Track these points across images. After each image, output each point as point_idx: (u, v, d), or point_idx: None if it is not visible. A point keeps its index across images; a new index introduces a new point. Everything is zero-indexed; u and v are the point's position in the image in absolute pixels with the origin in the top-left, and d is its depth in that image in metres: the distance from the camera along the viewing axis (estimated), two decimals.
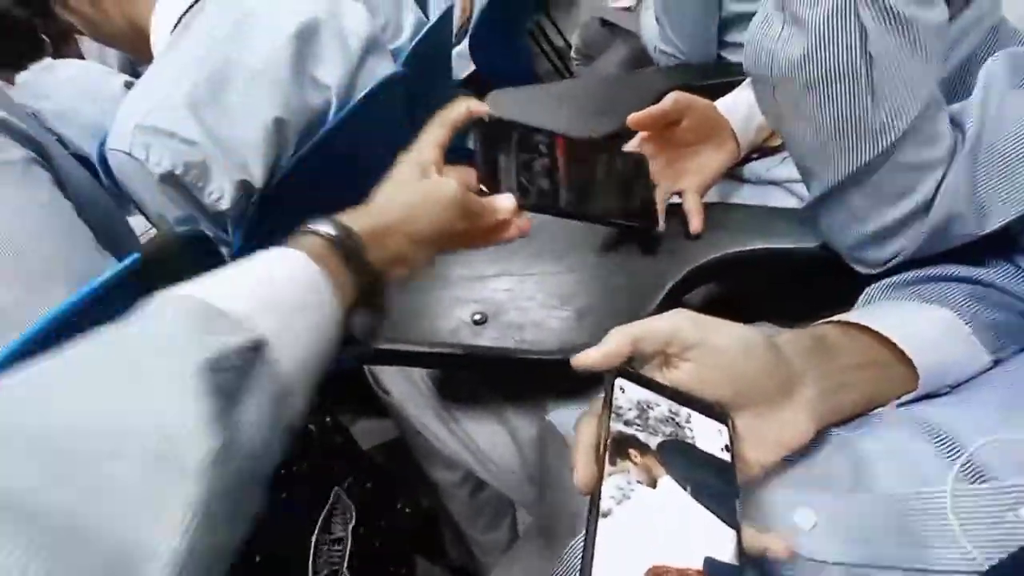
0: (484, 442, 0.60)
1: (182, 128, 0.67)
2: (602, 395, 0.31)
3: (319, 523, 0.62)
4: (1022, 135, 0.38)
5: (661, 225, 0.56)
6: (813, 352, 0.35)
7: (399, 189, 0.42)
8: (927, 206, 0.41)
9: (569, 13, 2.55)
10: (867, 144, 0.40)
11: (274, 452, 0.28)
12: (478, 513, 0.77)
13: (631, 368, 0.32)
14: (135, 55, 0.85)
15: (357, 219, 0.38)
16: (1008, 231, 0.40)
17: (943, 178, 0.41)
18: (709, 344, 0.32)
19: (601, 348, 0.32)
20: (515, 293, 0.55)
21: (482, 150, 0.45)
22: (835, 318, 0.40)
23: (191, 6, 0.76)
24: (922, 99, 0.38)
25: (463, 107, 0.45)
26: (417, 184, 0.41)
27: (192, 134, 0.67)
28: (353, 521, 0.65)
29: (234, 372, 0.26)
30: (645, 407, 0.31)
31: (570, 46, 2.03)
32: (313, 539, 0.61)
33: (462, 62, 1.59)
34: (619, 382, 0.31)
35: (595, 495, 0.27)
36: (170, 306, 0.28)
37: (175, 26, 0.75)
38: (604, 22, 1.67)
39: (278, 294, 0.31)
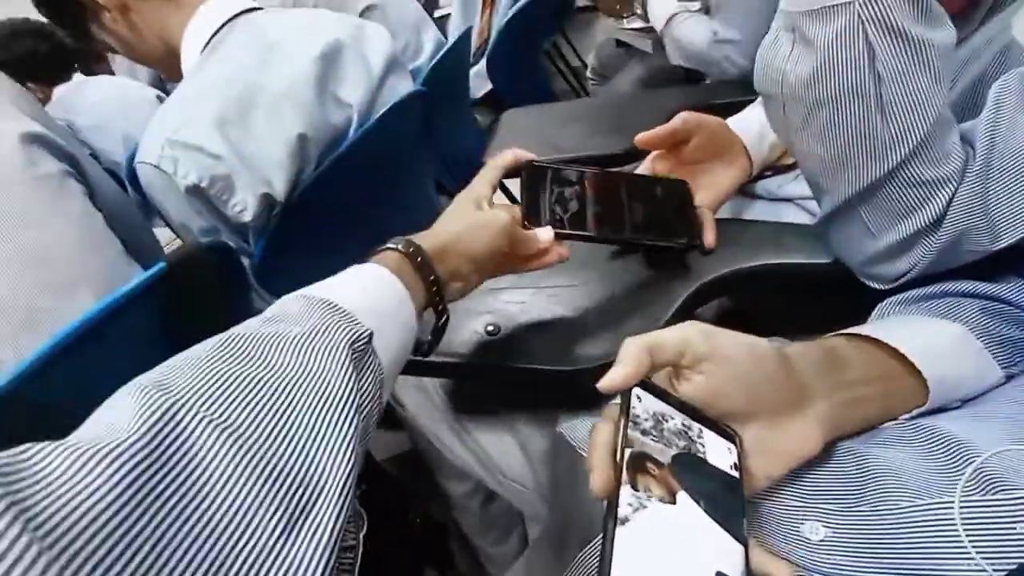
0: (495, 453, 0.61)
1: (209, 143, 0.70)
2: (617, 402, 0.31)
3: None
4: None
5: (709, 240, 0.56)
6: (824, 364, 0.36)
7: (458, 217, 0.48)
8: (938, 222, 0.42)
9: (585, 34, 2.59)
10: (877, 161, 0.41)
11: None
12: (489, 525, 0.78)
13: (647, 379, 0.33)
14: (166, 73, 0.88)
15: (424, 239, 0.44)
16: (1019, 247, 0.40)
17: (954, 194, 0.41)
18: (720, 356, 0.32)
19: (621, 368, 0.31)
20: (527, 306, 0.56)
21: (525, 190, 0.52)
22: (846, 331, 0.40)
23: (219, 29, 0.79)
24: (930, 117, 0.39)
25: (511, 154, 0.54)
26: (474, 213, 0.48)
27: (218, 149, 0.70)
28: (364, 530, 0.65)
29: (360, 353, 0.33)
30: (660, 418, 0.31)
31: (586, 66, 2.07)
32: None
33: (479, 81, 1.62)
34: (636, 391, 0.32)
35: (612, 500, 0.27)
36: (307, 301, 0.35)
37: (204, 47, 0.79)
38: (619, 43, 1.70)
39: (374, 301, 0.37)
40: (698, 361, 0.32)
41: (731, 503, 0.30)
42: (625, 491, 0.28)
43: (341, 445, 0.28)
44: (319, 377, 0.30)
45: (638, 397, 0.31)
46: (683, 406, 0.32)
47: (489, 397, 0.64)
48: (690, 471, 0.30)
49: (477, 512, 0.77)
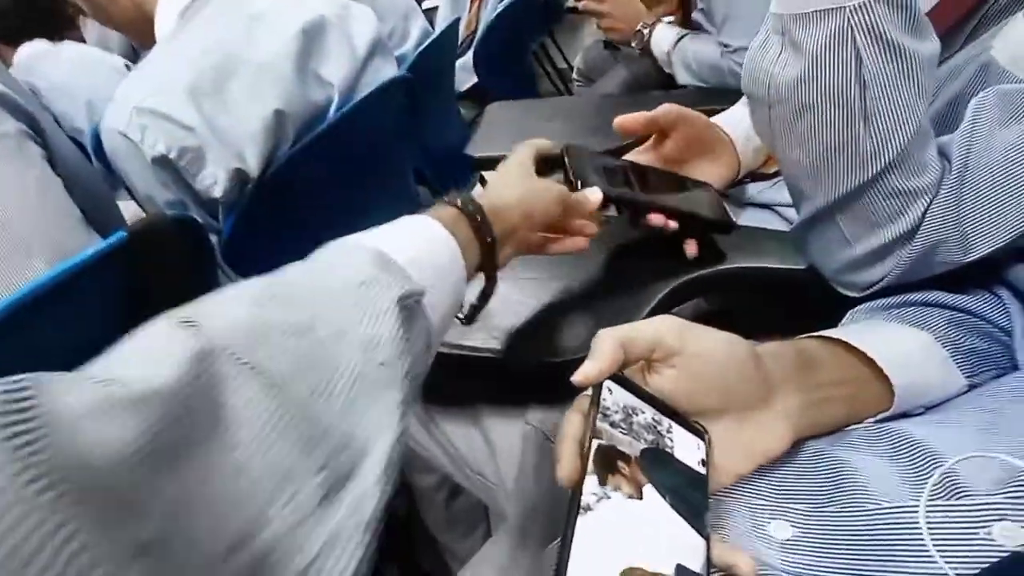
0: (462, 445, 0.59)
1: (180, 113, 0.67)
2: (588, 394, 0.31)
3: None
4: (1007, 169, 0.39)
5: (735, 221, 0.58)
6: (794, 364, 0.36)
7: (516, 179, 0.47)
8: (913, 233, 0.42)
9: (572, 36, 2.59)
10: (857, 168, 0.41)
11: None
12: (453, 520, 0.76)
13: (619, 372, 0.32)
14: (139, 39, 0.85)
15: (481, 199, 0.42)
16: (989, 261, 0.41)
17: (929, 206, 0.42)
18: (692, 351, 0.32)
19: (594, 362, 0.31)
20: (502, 296, 0.55)
21: (572, 162, 0.53)
22: (818, 334, 0.40)
23: None
24: (912, 127, 0.39)
25: (545, 141, 0.53)
26: (531, 178, 0.48)
27: (190, 120, 0.67)
28: None
29: (410, 311, 0.30)
30: (631, 412, 0.31)
31: (572, 68, 2.07)
32: None
33: (464, 74, 1.61)
34: (607, 383, 0.31)
35: (577, 489, 0.27)
36: (358, 249, 0.32)
37: (181, 13, 0.76)
38: (607, 44, 1.70)
39: (428, 255, 0.35)
40: (670, 355, 0.32)
41: (696, 498, 0.30)
42: (590, 481, 0.28)
43: (389, 409, 0.26)
44: (368, 333, 0.27)
45: (609, 390, 0.31)
46: (653, 400, 0.32)
47: (458, 389, 0.63)
48: (657, 465, 0.30)
49: (442, 506, 0.75)
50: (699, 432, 0.33)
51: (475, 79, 1.61)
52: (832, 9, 0.37)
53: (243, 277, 0.74)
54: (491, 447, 0.58)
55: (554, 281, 0.56)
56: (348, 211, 0.88)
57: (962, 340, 0.40)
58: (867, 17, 0.37)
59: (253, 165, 0.71)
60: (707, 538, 0.29)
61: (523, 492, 0.50)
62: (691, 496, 0.30)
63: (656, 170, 0.58)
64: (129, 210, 0.90)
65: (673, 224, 0.53)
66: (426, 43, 1.11)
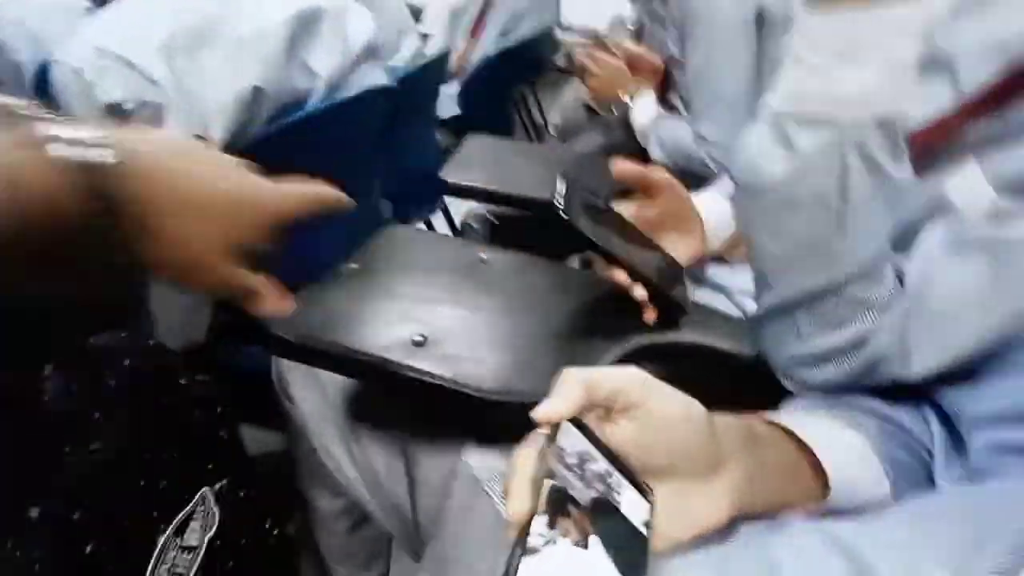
0: (382, 470, 0.56)
1: (147, 65, 0.63)
2: (543, 431, 0.30)
3: (174, 524, 0.54)
4: (952, 298, 0.42)
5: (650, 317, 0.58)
6: (743, 439, 0.36)
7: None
8: (862, 341, 0.44)
9: (553, 93, 2.68)
10: (824, 270, 0.43)
11: None
12: (352, 550, 0.71)
13: (578, 415, 0.32)
14: None
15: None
16: (924, 381, 0.43)
17: (880, 319, 0.44)
18: (654, 408, 0.32)
19: (559, 401, 0.31)
20: (463, 324, 0.53)
21: (565, 191, 0.52)
22: (765, 415, 0.41)
23: None
24: (878, 243, 0.42)
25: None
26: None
27: (158, 75, 0.63)
28: (212, 531, 0.57)
29: None
30: (585, 457, 0.31)
31: (546, 122, 2.13)
32: (161, 540, 0.52)
33: (447, 103, 1.62)
34: (565, 424, 0.31)
35: (524, 528, 0.26)
36: None
37: None
38: (588, 107, 1.76)
39: None
40: (631, 408, 0.32)
41: (639, 560, 0.30)
42: (539, 521, 0.27)
43: None
44: None
45: (566, 432, 0.31)
46: (607, 451, 0.32)
47: (389, 411, 0.59)
48: (605, 518, 0.29)
49: (343, 534, 0.70)
50: (645, 491, 0.32)
51: (457, 110, 1.62)
52: (827, 119, 0.39)
53: None
54: (413, 479, 0.55)
55: (513, 314, 0.55)
56: None
57: (890, 450, 0.42)
58: (859, 135, 0.39)
59: (217, 136, 0.67)
60: None
61: (444, 531, 0.47)
62: (633, 556, 0.29)
63: (636, 230, 0.59)
64: None
65: (640, 292, 0.54)
66: (419, 61, 1.11)
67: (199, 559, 0.56)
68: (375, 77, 0.87)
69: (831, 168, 0.40)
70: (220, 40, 0.66)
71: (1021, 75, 0.45)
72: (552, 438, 0.30)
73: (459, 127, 1.65)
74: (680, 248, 0.63)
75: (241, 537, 0.62)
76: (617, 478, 0.31)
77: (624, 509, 0.30)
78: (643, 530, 0.31)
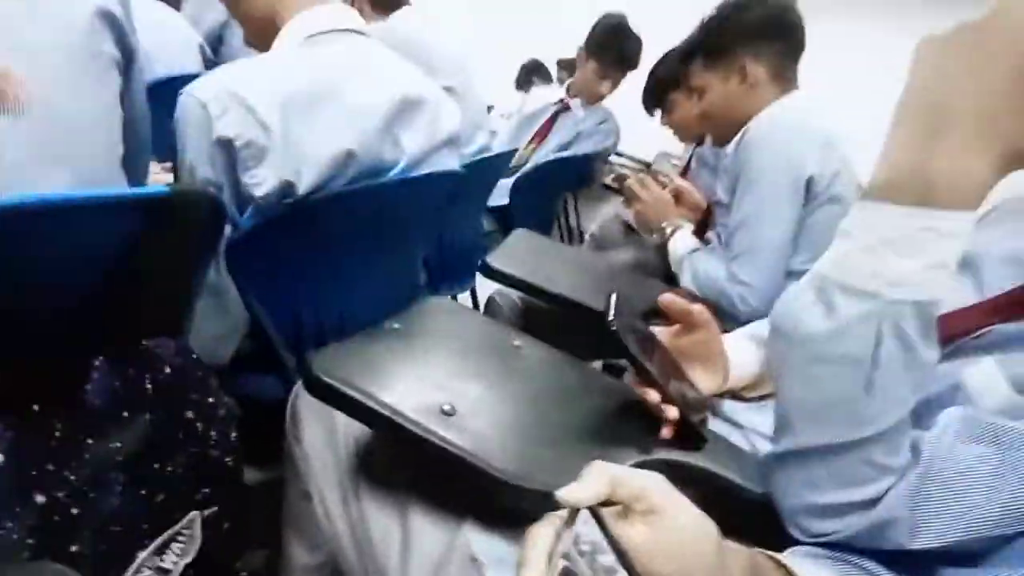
0: (377, 530, 0.55)
1: (266, 113, 0.70)
2: (560, 513, 0.32)
3: (157, 542, 0.53)
4: (961, 479, 0.44)
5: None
6: (747, 567, 0.38)
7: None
8: (872, 503, 0.45)
9: (593, 205, 2.82)
10: (846, 427, 0.45)
11: None
12: None
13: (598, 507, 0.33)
14: (252, 36, 0.90)
15: None
16: (926, 554, 0.44)
17: (894, 486, 0.45)
18: (671, 517, 0.34)
19: (586, 486, 0.33)
20: (492, 404, 0.55)
21: (616, 312, 0.55)
22: (771, 553, 0.42)
23: (327, 31, 0.83)
24: (902, 412, 0.44)
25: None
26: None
27: (271, 122, 0.70)
28: (190, 558, 0.56)
29: None
30: (597, 548, 0.32)
31: (581, 231, 2.23)
32: (140, 556, 0.52)
33: (499, 193, 1.73)
34: (584, 512, 0.32)
35: None
36: None
37: (307, 37, 0.82)
38: (626, 224, 1.86)
39: None
40: (650, 512, 0.33)
41: None
42: None
43: None
44: None
45: (584, 519, 0.32)
46: (616, 548, 0.33)
47: (396, 474, 0.60)
48: None
49: None
50: None
51: (506, 201, 1.72)
52: (871, 293, 0.43)
53: (232, 277, 0.73)
54: (408, 546, 0.54)
55: (540, 404, 0.57)
56: (353, 265, 0.89)
57: None
58: (896, 313, 0.42)
59: (304, 184, 0.73)
60: None
61: None
62: None
63: (670, 356, 0.62)
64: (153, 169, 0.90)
65: (672, 412, 0.56)
66: (486, 155, 1.21)
67: None
68: (450, 162, 0.95)
69: (867, 335, 0.43)
70: (332, 105, 0.75)
71: None
72: (571, 522, 0.31)
73: (502, 215, 1.75)
74: (703, 380, 0.66)
75: (213, 573, 0.61)
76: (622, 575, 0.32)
77: None
78: None
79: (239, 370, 0.85)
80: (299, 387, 0.69)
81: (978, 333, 0.51)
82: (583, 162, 2.05)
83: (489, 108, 2.60)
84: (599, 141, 2.13)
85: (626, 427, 0.59)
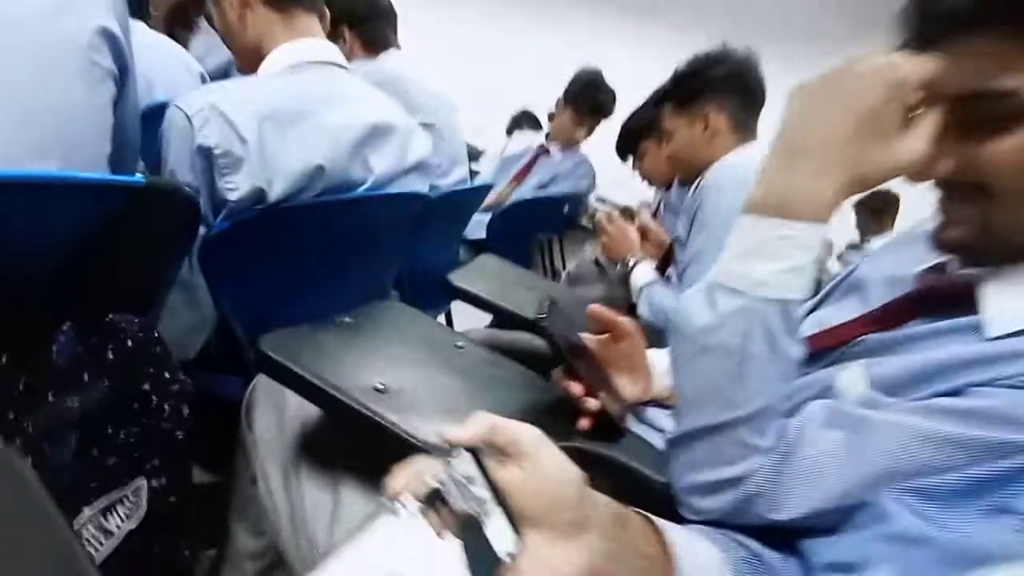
0: (310, 504, 0.59)
1: (244, 127, 0.78)
2: (442, 446, 0.37)
3: (103, 502, 0.57)
4: (817, 459, 0.49)
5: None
6: (613, 516, 0.42)
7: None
8: (741, 480, 0.51)
9: (577, 247, 2.91)
10: (720, 410, 0.51)
11: None
12: None
13: (479, 449, 0.38)
14: (241, 63, 1.00)
15: None
16: (788, 527, 0.49)
17: (760, 466, 0.51)
18: (538, 462, 0.38)
19: (466, 429, 0.38)
20: (422, 386, 0.60)
21: (550, 316, 0.63)
22: (642, 510, 0.46)
23: (310, 62, 0.93)
24: (767, 399, 0.50)
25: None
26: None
27: (249, 135, 0.78)
28: (133, 524, 0.60)
29: None
30: (470, 481, 0.37)
31: (564, 269, 2.32)
32: (85, 512, 0.56)
33: (477, 228, 1.81)
34: (465, 452, 0.37)
35: (395, 496, 0.33)
36: None
37: (290, 66, 0.91)
38: (598, 263, 1.94)
39: None
40: (520, 456, 0.38)
41: (485, 571, 0.35)
42: (410, 498, 0.33)
43: None
44: None
45: (461, 456, 0.37)
46: (493, 486, 0.38)
47: (334, 452, 0.64)
48: (471, 531, 0.35)
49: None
50: (516, 529, 0.37)
51: (483, 235, 1.80)
52: (743, 292, 0.50)
53: (204, 275, 0.79)
54: (336, 517, 0.58)
55: (470, 394, 0.62)
56: (320, 272, 0.95)
57: (745, 573, 0.47)
58: (763, 312, 0.49)
59: (274, 192, 0.80)
60: None
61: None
62: (481, 568, 0.34)
63: (597, 361, 0.68)
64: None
65: (593, 403, 0.62)
66: (462, 187, 1.29)
67: (111, 547, 0.58)
68: (418, 186, 1.03)
69: (739, 328, 0.50)
70: (307, 124, 0.83)
71: (908, 303, 0.57)
72: (448, 454, 0.36)
73: (481, 249, 1.83)
74: (628, 388, 0.71)
75: (155, 544, 0.64)
76: (491, 507, 0.37)
77: (488, 532, 0.36)
78: (505, 558, 0.36)
79: (205, 368, 0.90)
80: (257, 379, 0.74)
81: (854, 342, 0.58)
82: (559, 202, 2.15)
83: (480, 152, 2.72)
84: (574, 183, 2.24)
85: (548, 415, 0.63)
